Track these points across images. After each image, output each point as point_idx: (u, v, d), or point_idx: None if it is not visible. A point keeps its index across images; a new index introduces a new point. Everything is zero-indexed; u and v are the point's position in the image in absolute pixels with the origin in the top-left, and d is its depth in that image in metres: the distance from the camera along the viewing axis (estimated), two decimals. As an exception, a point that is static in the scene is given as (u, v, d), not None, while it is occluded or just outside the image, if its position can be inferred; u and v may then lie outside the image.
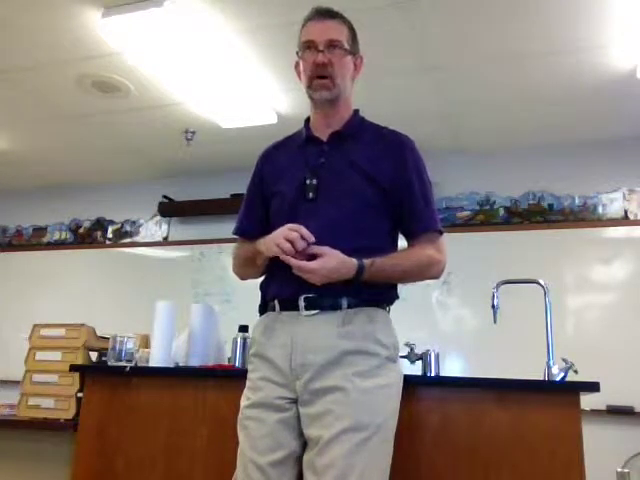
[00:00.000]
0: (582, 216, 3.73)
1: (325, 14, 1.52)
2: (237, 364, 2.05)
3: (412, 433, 1.66)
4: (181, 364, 2.07)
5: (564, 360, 2.04)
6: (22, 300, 4.70)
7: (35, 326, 2.46)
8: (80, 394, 2.15)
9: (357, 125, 1.59)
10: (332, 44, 1.48)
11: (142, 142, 4.04)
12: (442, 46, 2.89)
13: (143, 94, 3.39)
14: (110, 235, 4.80)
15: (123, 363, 2.01)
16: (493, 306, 2.27)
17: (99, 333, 2.38)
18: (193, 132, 3.87)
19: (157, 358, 2.01)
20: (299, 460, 1.33)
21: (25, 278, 4.81)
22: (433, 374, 2.17)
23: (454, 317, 3.73)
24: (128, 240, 4.72)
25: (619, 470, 3.14)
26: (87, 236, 4.87)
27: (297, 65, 1.58)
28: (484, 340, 3.52)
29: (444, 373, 2.25)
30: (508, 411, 1.60)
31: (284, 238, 1.34)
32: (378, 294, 1.48)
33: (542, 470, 1.54)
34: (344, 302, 1.38)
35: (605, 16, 2.61)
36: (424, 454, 1.64)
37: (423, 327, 3.70)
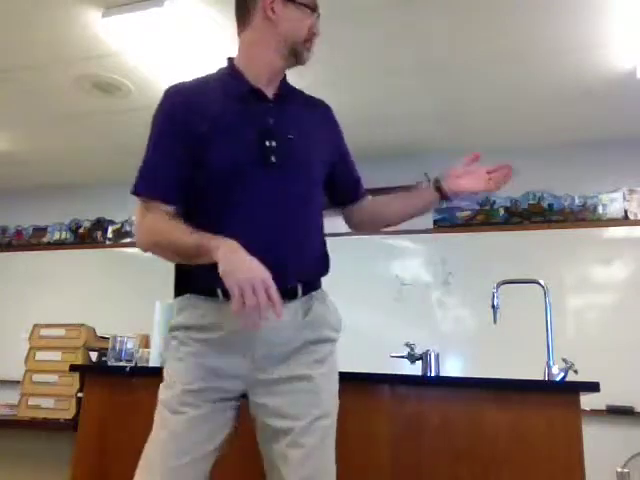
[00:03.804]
0: (582, 216, 3.72)
1: None
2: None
3: (412, 433, 1.66)
4: (181, 364, 2.07)
5: (564, 360, 2.04)
6: (22, 300, 4.69)
7: (35, 326, 2.46)
8: (80, 394, 2.15)
9: (291, 88, 1.48)
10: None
11: (142, 142, 4.03)
12: (441, 45, 2.89)
13: (143, 94, 3.39)
14: (110, 235, 4.80)
15: (123, 363, 2.01)
16: (493, 306, 2.26)
17: (99, 333, 2.38)
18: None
19: (157, 358, 2.01)
20: (212, 455, 1.27)
21: (25, 278, 4.81)
22: (433, 374, 2.16)
23: (454, 317, 3.73)
24: (128, 240, 4.72)
25: (619, 470, 3.14)
26: (87, 236, 4.86)
27: (273, 3, 1.36)
28: (484, 340, 3.51)
29: (444, 373, 2.24)
30: (508, 411, 1.60)
31: (259, 292, 1.10)
32: (321, 274, 1.43)
33: (542, 470, 1.54)
34: (299, 289, 1.32)
35: (605, 16, 2.60)
36: (424, 454, 1.64)
37: (423, 327, 3.70)
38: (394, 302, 3.84)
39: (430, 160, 4.06)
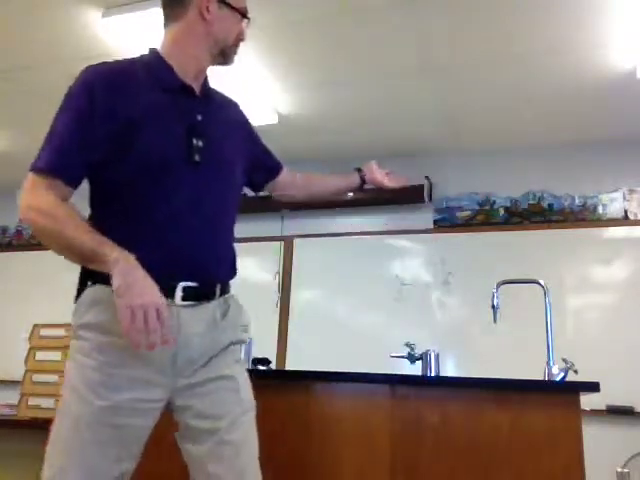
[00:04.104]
0: (582, 216, 3.72)
1: None
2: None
3: (412, 433, 1.66)
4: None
5: (564, 360, 2.04)
6: (22, 300, 4.69)
7: (35, 326, 2.46)
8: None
9: (210, 86, 1.49)
10: None
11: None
12: (442, 47, 2.89)
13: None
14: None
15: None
16: (493, 306, 2.27)
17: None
18: (193, 132, 3.86)
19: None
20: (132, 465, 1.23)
21: (25, 278, 4.81)
22: (433, 374, 2.16)
23: (454, 317, 3.73)
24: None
25: (619, 470, 3.14)
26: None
27: (209, 3, 1.36)
28: (484, 340, 3.52)
29: (444, 373, 2.24)
30: (508, 411, 1.60)
31: (151, 320, 1.07)
32: (232, 276, 1.41)
33: (542, 470, 1.54)
34: (217, 290, 1.32)
35: (605, 16, 2.61)
36: (424, 454, 1.64)
37: (423, 327, 3.70)
38: (394, 302, 3.84)
39: (430, 160, 4.07)
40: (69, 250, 1.18)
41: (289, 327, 4.04)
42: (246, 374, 1.36)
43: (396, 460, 1.65)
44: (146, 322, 1.07)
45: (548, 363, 2.09)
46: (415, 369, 2.33)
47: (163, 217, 1.25)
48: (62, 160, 1.20)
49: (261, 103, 3.51)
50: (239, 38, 1.44)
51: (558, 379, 2.00)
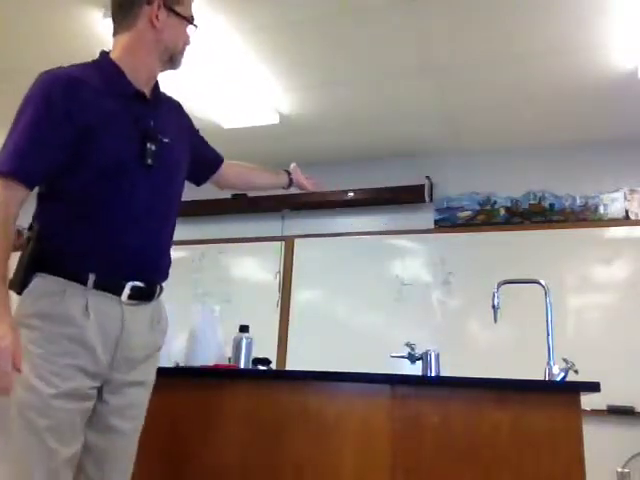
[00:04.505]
0: (583, 216, 3.72)
1: None
2: (239, 364, 2.05)
3: (412, 434, 1.67)
4: (181, 364, 2.07)
5: (564, 360, 2.04)
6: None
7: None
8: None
9: (159, 90, 1.54)
10: None
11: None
12: (442, 46, 2.89)
13: (144, 94, 3.40)
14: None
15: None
16: (494, 306, 2.27)
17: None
18: (194, 132, 3.87)
19: (165, 358, 2.01)
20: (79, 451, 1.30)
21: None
22: (433, 374, 2.16)
23: (454, 317, 3.73)
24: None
25: (619, 470, 3.14)
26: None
27: (158, 11, 1.42)
28: (484, 340, 3.52)
29: (444, 373, 2.24)
30: (508, 411, 1.61)
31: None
32: (166, 279, 1.49)
33: (543, 470, 1.54)
34: (157, 291, 1.42)
35: (605, 16, 2.60)
36: (425, 455, 1.64)
37: (423, 327, 3.70)
38: (394, 302, 3.84)
39: (431, 160, 4.07)
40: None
41: (289, 327, 4.04)
42: (154, 379, 1.47)
43: (396, 460, 1.65)
44: None
45: (548, 363, 2.09)
46: (415, 369, 2.33)
47: (118, 219, 1.32)
48: (19, 163, 1.25)
49: (262, 103, 3.51)
50: (186, 43, 1.52)
51: (558, 379, 2.00)
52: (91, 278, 1.28)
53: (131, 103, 1.38)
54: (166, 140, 1.42)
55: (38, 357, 1.22)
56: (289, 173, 1.97)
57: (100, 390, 1.32)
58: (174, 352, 2.07)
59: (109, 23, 2.68)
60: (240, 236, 4.35)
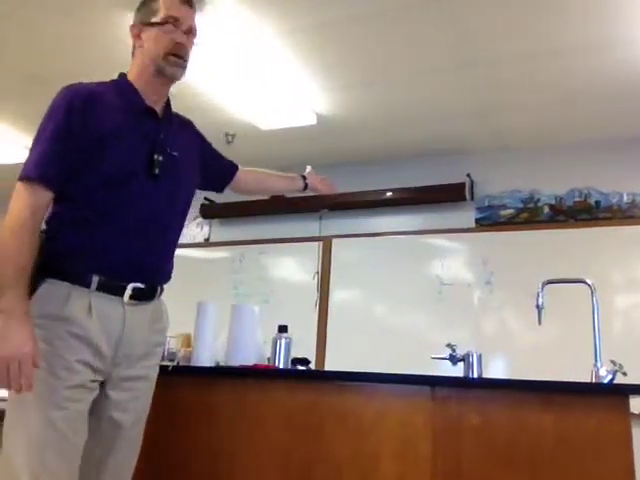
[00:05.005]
0: (630, 213, 3.60)
1: (190, 1, 1.57)
2: (277, 364, 2.06)
3: (453, 436, 1.64)
4: (222, 363, 2.10)
5: (612, 362, 1.97)
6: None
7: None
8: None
9: (170, 108, 1.63)
10: (192, 31, 1.57)
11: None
12: (479, 43, 2.84)
13: (184, 98, 3.45)
14: (154, 237, 4.91)
15: (166, 362, 2.05)
16: (538, 306, 2.21)
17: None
18: (233, 135, 3.92)
19: (199, 358, 2.04)
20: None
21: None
22: (475, 376, 2.13)
23: (497, 318, 3.66)
24: (171, 242, 4.82)
25: (673, 477, 3.01)
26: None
27: (139, 32, 1.54)
28: (528, 341, 3.44)
29: (486, 375, 2.20)
30: (553, 414, 1.56)
31: (13, 373, 1.24)
32: (168, 281, 1.58)
33: (588, 476, 1.49)
34: (158, 292, 1.52)
35: (653, 5, 2.51)
36: (466, 458, 1.62)
37: (464, 328, 3.64)
38: (434, 302, 3.80)
39: (471, 158, 4.01)
40: (23, 255, 1.32)
41: (328, 327, 4.04)
42: (156, 375, 1.57)
43: (436, 463, 1.63)
44: (8, 372, 1.23)
45: (595, 364, 2.03)
46: (456, 371, 2.29)
47: (122, 225, 1.41)
48: (43, 169, 1.37)
49: (299, 104, 3.52)
50: (171, 45, 1.51)
51: (606, 381, 1.94)
52: (94, 281, 1.38)
53: (142, 118, 1.50)
54: (174, 153, 1.52)
55: (48, 354, 1.32)
56: (304, 177, 2.04)
57: (102, 385, 1.42)
58: (215, 351, 2.10)
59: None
60: (279, 237, 4.38)
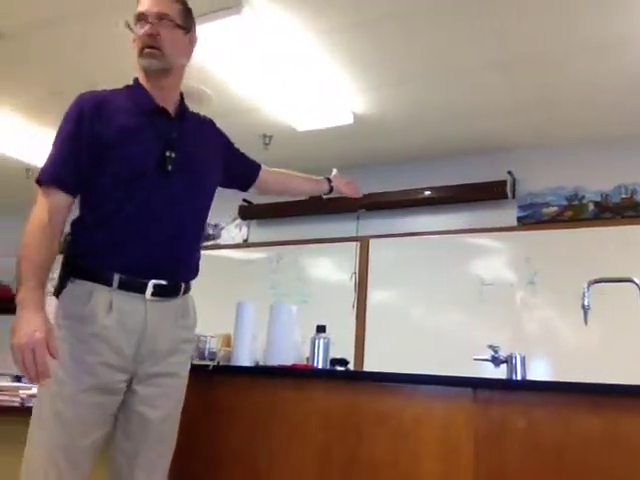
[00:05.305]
0: (682, 210, 3.45)
1: None
2: (316, 364, 2.06)
3: (496, 440, 1.60)
4: (261, 363, 2.11)
5: (665, 365, 1.89)
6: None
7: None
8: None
9: (185, 107, 1.65)
10: (161, 17, 1.51)
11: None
12: (520, 38, 2.77)
13: (223, 101, 3.49)
14: (194, 238, 4.99)
15: (206, 362, 2.07)
16: (584, 306, 2.14)
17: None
18: (270, 137, 3.94)
19: (239, 357, 2.05)
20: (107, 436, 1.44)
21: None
22: (519, 378, 2.07)
23: (541, 318, 3.56)
24: (211, 242, 4.89)
25: None
26: (172, 240, 5.08)
27: (133, 38, 1.55)
28: (574, 342, 3.34)
29: (530, 377, 2.14)
30: (601, 418, 1.51)
31: (27, 360, 1.25)
32: (194, 277, 1.59)
33: (642, 483, 1.43)
34: (182, 288, 1.52)
35: None
36: (509, 462, 1.58)
37: (506, 329, 3.56)
38: (476, 303, 3.73)
39: (512, 155, 3.92)
40: (19, 259, 1.36)
41: (366, 328, 4.02)
42: (188, 371, 1.58)
43: (479, 467, 1.60)
44: (23, 360, 1.25)
45: (646, 368, 1.95)
46: (499, 373, 2.24)
47: (135, 223, 1.43)
48: (55, 172, 1.43)
49: (337, 104, 3.51)
50: (141, 42, 1.52)
51: (658, 385, 1.86)
52: (115, 279, 1.41)
53: (154, 118, 1.52)
54: (189, 151, 1.53)
55: (69, 355, 1.36)
56: (330, 180, 2.04)
57: (130, 382, 1.44)
58: (254, 351, 2.11)
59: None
60: (316, 237, 4.38)
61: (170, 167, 1.47)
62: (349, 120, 3.63)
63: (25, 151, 4.17)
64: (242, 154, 1.85)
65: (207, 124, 1.74)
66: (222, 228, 4.85)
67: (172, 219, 1.49)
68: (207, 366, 2.01)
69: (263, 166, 1.91)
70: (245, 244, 4.75)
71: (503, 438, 1.60)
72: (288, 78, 3.23)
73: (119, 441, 1.45)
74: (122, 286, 1.41)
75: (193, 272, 1.59)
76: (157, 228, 1.46)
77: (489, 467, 1.59)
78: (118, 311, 1.40)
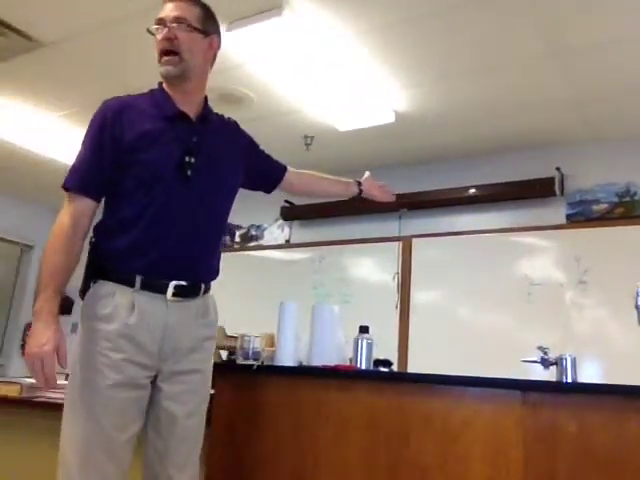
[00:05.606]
0: None
1: None
2: (359, 365, 2.04)
3: (546, 444, 1.56)
4: (304, 363, 2.11)
5: None
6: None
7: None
8: (212, 391, 2.27)
9: (209, 110, 1.67)
10: (179, 21, 1.54)
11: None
12: (571, 29, 2.68)
13: (265, 103, 3.52)
14: (238, 239, 5.05)
15: (250, 361, 2.09)
16: (637, 306, 2.06)
17: (228, 332, 2.50)
18: (312, 137, 3.95)
19: (282, 357, 2.06)
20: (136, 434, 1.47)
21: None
22: (569, 380, 2.01)
23: (591, 319, 3.44)
24: (254, 244, 4.94)
25: None
26: (216, 241, 5.16)
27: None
28: (627, 344, 3.22)
29: (580, 380, 2.07)
30: (660, 423, 1.44)
31: (37, 370, 1.35)
32: (214, 278, 1.64)
33: None
34: (202, 289, 1.56)
35: None
36: (560, 467, 1.53)
37: (555, 330, 3.46)
38: (523, 303, 3.64)
39: (561, 151, 3.81)
40: (43, 263, 1.45)
41: (410, 328, 3.97)
42: (211, 368, 1.63)
43: (528, 471, 1.56)
44: (33, 368, 1.34)
45: None
46: (546, 375, 2.18)
47: (155, 226, 1.47)
48: (78, 178, 1.50)
49: (378, 103, 3.49)
50: (159, 48, 1.56)
51: None
52: (137, 280, 1.45)
53: (175, 123, 1.55)
54: (209, 154, 1.56)
55: (97, 353, 1.42)
56: (359, 183, 2.05)
57: (154, 379, 1.49)
58: (298, 351, 2.12)
59: (234, 37, 2.83)
60: (358, 237, 4.37)
61: (189, 172, 1.51)
62: (391, 119, 3.60)
63: (70, 157, 4.31)
64: (267, 156, 1.87)
65: (231, 125, 1.77)
66: (265, 229, 4.90)
67: (191, 222, 1.52)
68: (251, 366, 2.03)
69: (289, 168, 1.92)
70: (287, 245, 4.78)
71: (553, 442, 1.55)
72: (329, 78, 3.23)
73: (151, 439, 1.50)
74: (144, 287, 1.46)
75: (213, 273, 1.63)
76: (176, 231, 1.50)
77: (539, 472, 1.55)
78: (140, 311, 1.45)
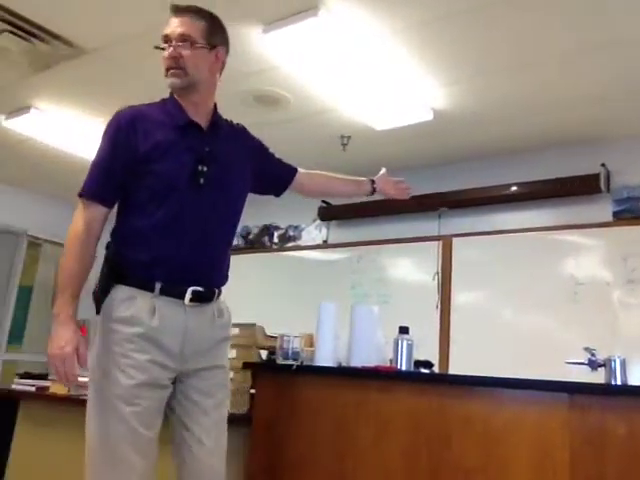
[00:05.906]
0: None
1: (178, 11, 1.62)
2: (400, 366, 2.02)
3: (594, 448, 1.51)
4: (343, 363, 2.10)
5: None
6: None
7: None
8: (252, 390, 2.28)
9: (218, 117, 1.72)
10: (183, 39, 1.58)
11: (300, 151, 4.18)
12: (618, 20, 2.59)
13: (301, 104, 3.53)
14: (276, 240, 5.08)
15: (290, 361, 2.10)
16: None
17: (267, 332, 2.51)
18: (348, 137, 3.94)
19: (321, 357, 2.06)
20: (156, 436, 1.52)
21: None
22: (619, 383, 1.94)
23: (640, 319, 3.32)
24: (292, 244, 4.96)
25: None
26: (256, 241, 5.21)
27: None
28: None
29: (632, 382, 2.00)
30: None
31: (59, 370, 1.42)
32: (225, 283, 1.68)
33: None
34: (216, 294, 1.62)
35: None
36: (609, 470, 1.48)
37: (603, 331, 3.35)
38: (569, 303, 3.53)
39: (606, 146, 3.69)
40: (59, 269, 1.52)
41: (451, 329, 3.92)
42: (228, 363, 1.70)
43: (576, 475, 1.51)
44: (56, 368, 1.42)
45: None
46: (592, 377, 2.11)
47: (170, 234, 1.53)
48: (93, 186, 1.55)
49: (415, 101, 3.45)
50: (165, 65, 1.61)
51: None
52: (157, 286, 1.51)
53: (186, 132, 1.60)
54: (220, 162, 1.61)
55: (120, 355, 1.47)
56: (373, 181, 2.05)
57: (175, 379, 1.55)
58: (337, 351, 2.11)
59: (270, 38, 2.85)
60: (396, 237, 4.33)
61: (202, 180, 1.56)
62: (429, 117, 3.56)
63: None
64: (276, 159, 1.90)
65: (240, 130, 1.81)
66: (302, 229, 4.91)
67: (205, 231, 1.57)
68: (291, 366, 2.03)
69: (300, 169, 1.94)
70: (325, 245, 4.78)
71: (601, 446, 1.51)
72: (366, 77, 3.21)
73: (180, 432, 1.55)
74: (163, 292, 1.51)
75: (225, 278, 1.69)
76: (190, 239, 1.55)
77: (586, 475, 1.51)
78: (161, 315, 1.50)
